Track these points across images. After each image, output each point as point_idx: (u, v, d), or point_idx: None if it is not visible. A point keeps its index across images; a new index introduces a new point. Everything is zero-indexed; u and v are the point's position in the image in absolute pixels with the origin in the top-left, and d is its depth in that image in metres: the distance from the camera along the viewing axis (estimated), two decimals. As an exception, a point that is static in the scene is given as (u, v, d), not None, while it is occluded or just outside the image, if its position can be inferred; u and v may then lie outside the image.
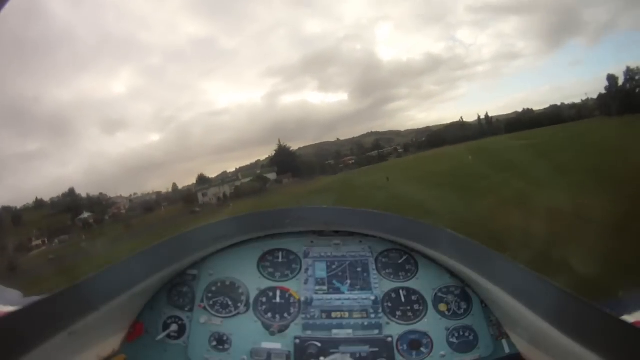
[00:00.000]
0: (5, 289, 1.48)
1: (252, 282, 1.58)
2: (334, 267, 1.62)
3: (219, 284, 1.57)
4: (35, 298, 1.07)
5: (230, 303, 1.54)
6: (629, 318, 1.05)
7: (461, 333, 1.48)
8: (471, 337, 1.48)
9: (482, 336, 1.48)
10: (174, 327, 1.49)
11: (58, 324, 1.01)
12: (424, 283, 1.58)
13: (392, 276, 1.60)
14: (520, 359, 1.33)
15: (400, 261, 1.62)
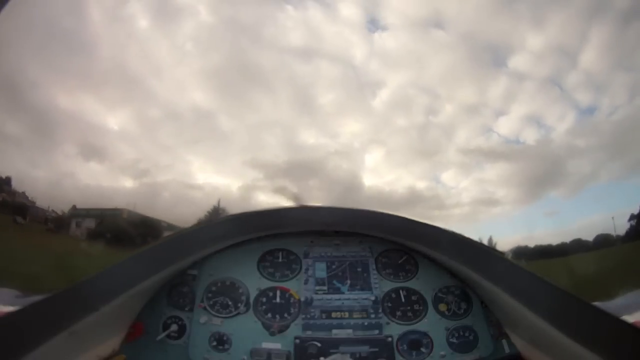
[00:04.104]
0: (4, 289, 1.48)
1: (252, 282, 1.58)
2: (334, 267, 1.62)
3: (219, 284, 1.57)
4: (35, 298, 1.07)
5: (230, 303, 1.54)
6: (629, 318, 1.05)
7: (461, 333, 1.49)
8: (471, 337, 1.48)
9: (482, 336, 1.48)
10: (174, 327, 1.49)
11: (58, 324, 1.01)
12: (424, 283, 1.58)
13: (392, 276, 1.60)
14: (520, 359, 1.33)
15: (400, 261, 1.63)
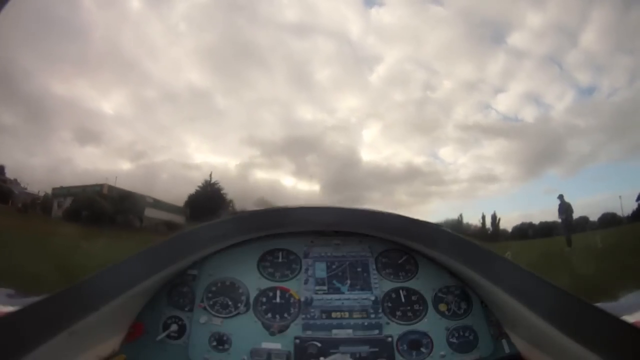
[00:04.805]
0: (5, 289, 1.48)
1: (252, 282, 1.58)
2: (334, 267, 1.62)
3: (219, 284, 1.57)
4: (35, 298, 1.07)
5: (230, 303, 1.54)
6: (629, 318, 1.05)
7: (461, 333, 1.49)
8: (471, 337, 1.48)
9: (482, 336, 1.48)
10: (174, 327, 1.49)
11: (58, 324, 1.01)
12: (424, 283, 1.58)
13: (392, 276, 1.60)
14: (520, 359, 1.33)
15: (400, 261, 1.63)
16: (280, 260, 1.63)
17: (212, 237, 1.51)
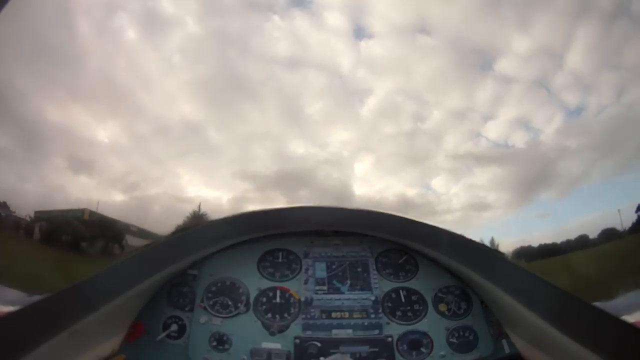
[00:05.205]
0: (5, 289, 1.48)
1: (252, 282, 1.58)
2: (334, 267, 1.62)
3: (219, 284, 1.57)
4: (35, 298, 1.07)
5: (230, 303, 1.54)
6: (629, 318, 1.05)
7: (461, 333, 1.49)
8: (471, 337, 1.48)
9: (482, 336, 1.48)
10: (174, 327, 1.49)
11: (58, 324, 1.01)
12: (424, 283, 1.58)
13: (392, 276, 1.60)
14: (520, 359, 1.33)
15: (400, 261, 1.63)
16: (280, 260, 1.63)
17: (212, 237, 1.51)
